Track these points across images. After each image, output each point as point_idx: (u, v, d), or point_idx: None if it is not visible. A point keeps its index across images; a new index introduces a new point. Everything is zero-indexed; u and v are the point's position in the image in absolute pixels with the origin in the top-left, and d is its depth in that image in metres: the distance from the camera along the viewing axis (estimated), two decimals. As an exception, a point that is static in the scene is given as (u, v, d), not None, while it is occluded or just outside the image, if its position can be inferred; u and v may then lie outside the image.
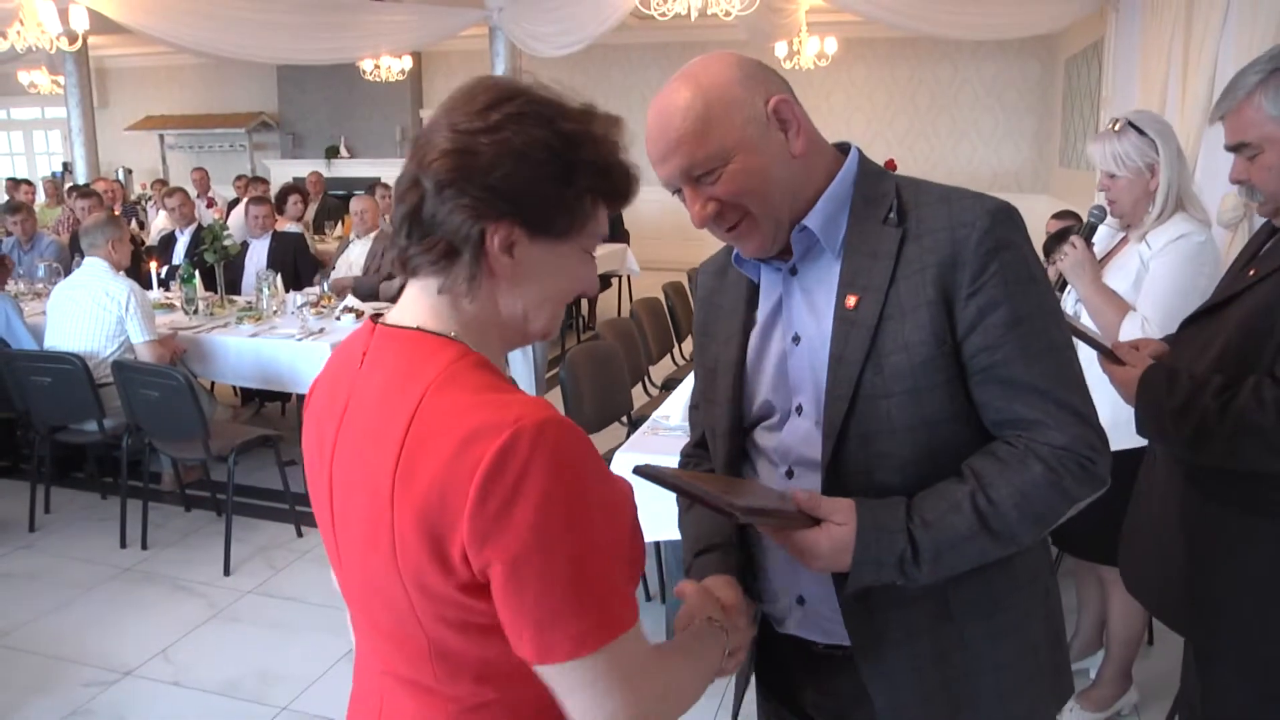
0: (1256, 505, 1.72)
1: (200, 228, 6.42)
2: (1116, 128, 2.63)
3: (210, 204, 9.78)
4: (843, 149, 1.40)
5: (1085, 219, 2.72)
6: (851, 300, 1.30)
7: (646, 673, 1.03)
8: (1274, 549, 1.71)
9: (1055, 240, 3.96)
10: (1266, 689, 1.77)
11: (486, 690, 1.04)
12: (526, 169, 1.02)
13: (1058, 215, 5.29)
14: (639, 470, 1.24)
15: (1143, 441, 2.58)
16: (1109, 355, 1.90)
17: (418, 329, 1.06)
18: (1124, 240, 2.75)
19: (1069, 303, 2.79)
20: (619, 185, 1.10)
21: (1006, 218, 1.29)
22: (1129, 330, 2.48)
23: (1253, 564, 1.73)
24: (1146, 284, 2.57)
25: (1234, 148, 1.71)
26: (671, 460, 2.95)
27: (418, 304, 1.08)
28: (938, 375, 1.27)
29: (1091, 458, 1.26)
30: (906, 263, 1.29)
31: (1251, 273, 1.72)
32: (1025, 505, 1.24)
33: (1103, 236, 2.83)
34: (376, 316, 1.13)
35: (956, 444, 1.29)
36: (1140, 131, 2.58)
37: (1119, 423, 2.53)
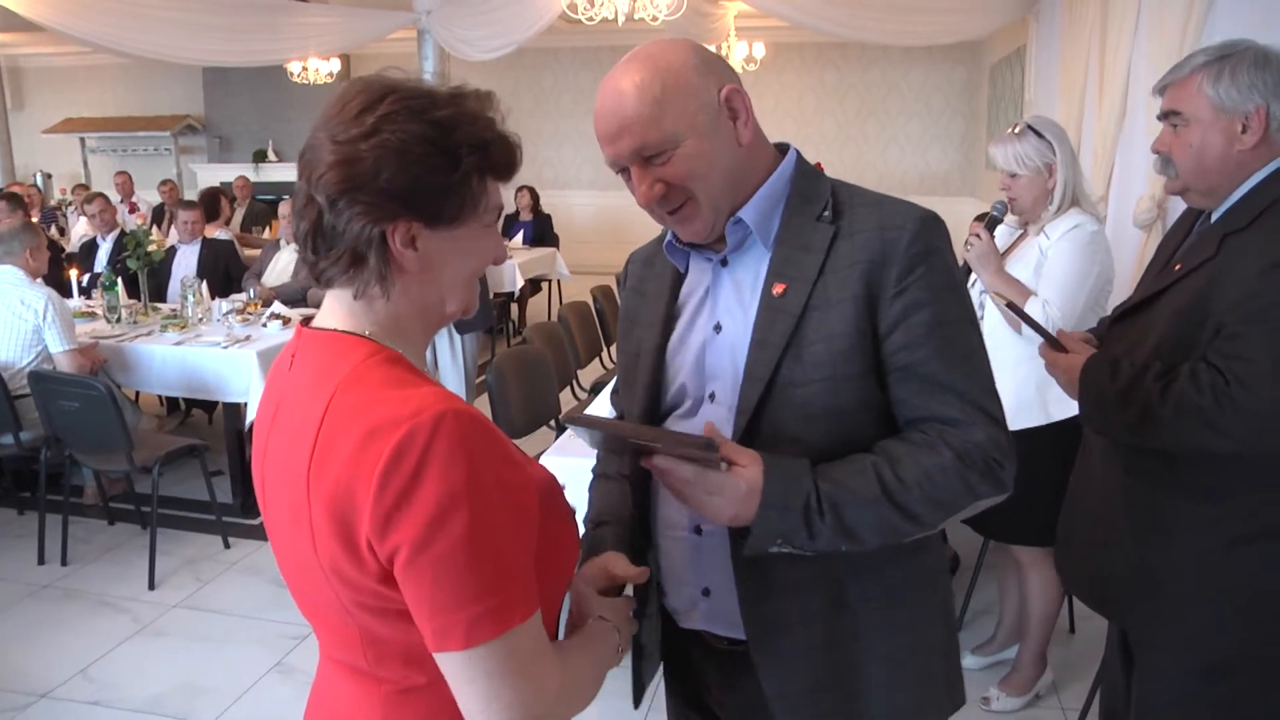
0: (1195, 490, 1.77)
1: (123, 234, 6.27)
2: (1016, 131, 2.82)
3: (133, 209, 9.56)
4: (781, 148, 1.44)
5: (988, 213, 2.91)
6: (779, 288, 1.33)
7: (542, 667, 1.04)
8: (1212, 532, 1.76)
9: None
10: (1206, 669, 1.82)
11: (416, 674, 1.08)
12: (410, 165, 1.05)
13: (979, 218, 5.39)
14: (568, 418, 1.31)
15: (1039, 421, 2.74)
16: (1053, 342, 1.96)
17: (334, 330, 1.11)
18: (1023, 235, 2.95)
19: (974, 292, 2.94)
20: (501, 158, 1.13)
21: (935, 225, 1.33)
22: (1032, 313, 2.62)
23: (1192, 547, 1.78)
24: (1045, 271, 2.76)
25: (1165, 115, 1.79)
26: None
27: (336, 307, 1.12)
28: (855, 366, 1.30)
29: (1000, 460, 1.30)
30: (836, 258, 1.32)
31: (1177, 267, 1.79)
32: (929, 486, 1.27)
33: (1002, 234, 3.00)
34: (308, 321, 1.16)
35: (865, 436, 1.32)
36: (1039, 134, 2.78)
37: (1021, 405, 2.69)
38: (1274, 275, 1.61)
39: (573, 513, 1.18)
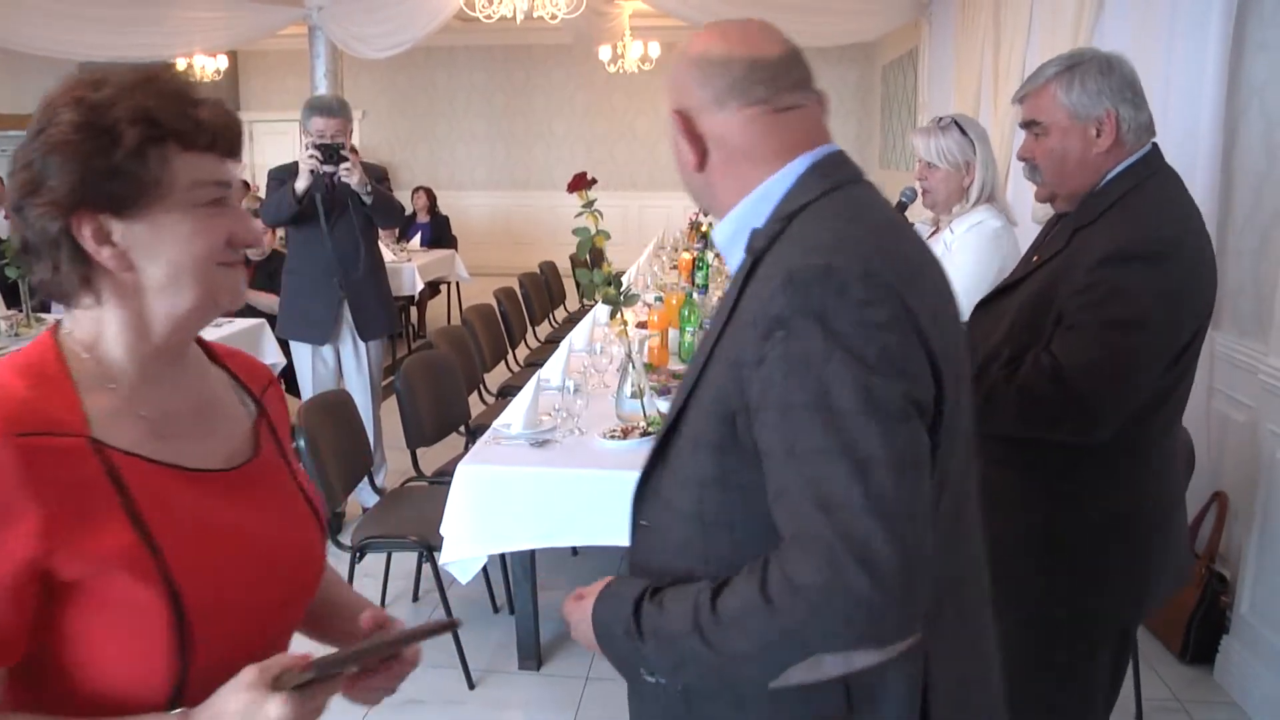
0: (1034, 468, 1.86)
1: (-1, 240, 5.93)
2: (942, 125, 2.87)
3: (8, 215, 9.08)
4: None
5: (897, 199, 2.97)
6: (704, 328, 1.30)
7: None
8: (1050, 508, 1.86)
9: None
10: (1046, 643, 1.91)
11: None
12: (69, 156, 0.99)
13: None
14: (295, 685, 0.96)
15: None
16: None
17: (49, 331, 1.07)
18: (933, 233, 3.00)
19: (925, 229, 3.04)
20: (179, 123, 1.02)
21: (808, 283, 1.05)
22: None
23: (1031, 524, 1.86)
24: (947, 265, 2.78)
25: (1027, 124, 1.90)
26: (518, 469, 2.87)
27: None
28: (716, 438, 1.14)
29: (847, 610, 1.00)
30: (744, 301, 1.14)
31: (1035, 259, 1.91)
32: (740, 626, 1.06)
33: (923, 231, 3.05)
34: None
35: (721, 511, 1.15)
36: (962, 131, 2.84)
37: None
38: (1109, 267, 1.71)
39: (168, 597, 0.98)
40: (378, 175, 4.56)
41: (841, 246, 1.09)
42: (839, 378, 1.01)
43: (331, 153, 4.10)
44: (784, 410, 1.04)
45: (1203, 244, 1.81)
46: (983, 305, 2.01)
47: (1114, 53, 1.85)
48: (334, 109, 4.26)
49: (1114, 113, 1.80)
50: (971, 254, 2.79)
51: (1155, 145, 1.86)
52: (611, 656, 1.20)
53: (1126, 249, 1.71)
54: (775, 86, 1.21)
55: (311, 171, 4.14)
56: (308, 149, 4.12)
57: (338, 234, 4.31)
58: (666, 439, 1.22)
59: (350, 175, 4.18)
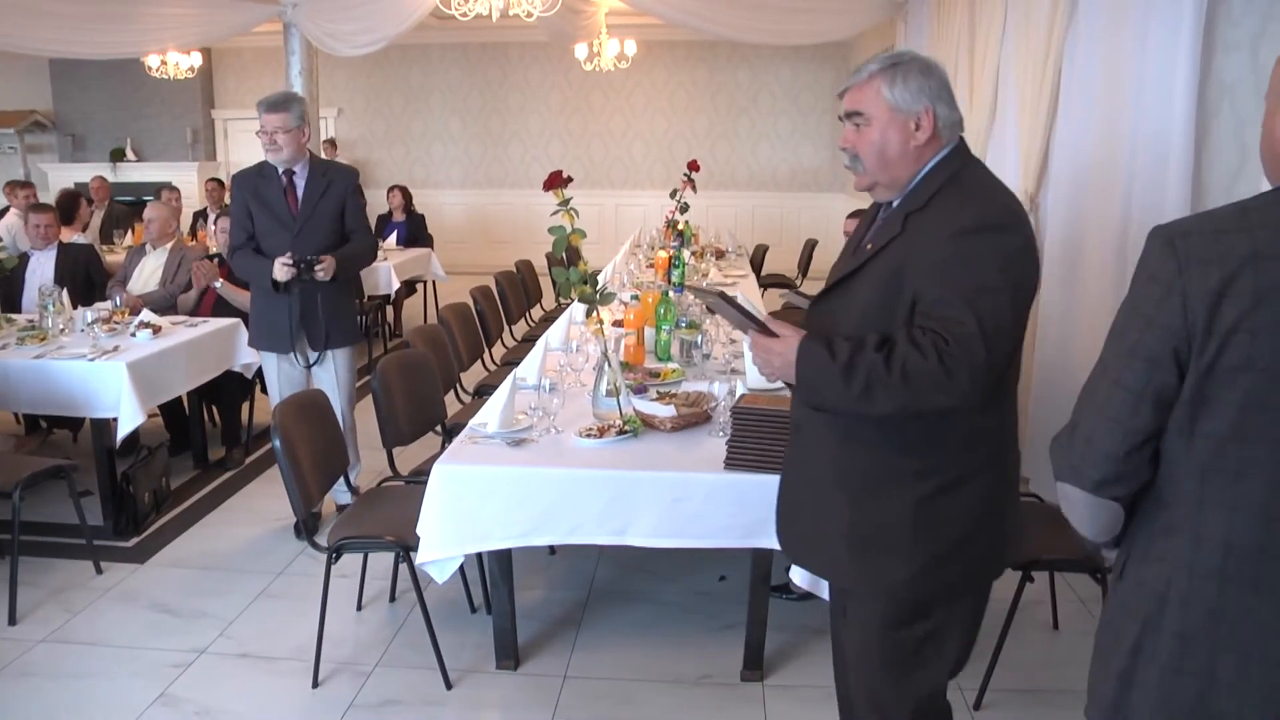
0: (903, 447, 1.95)
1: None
2: None
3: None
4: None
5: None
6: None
7: None
8: (919, 484, 1.95)
9: None
10: (906, 614, 2.02)
11: None
12: None
13: (853, 214, 5.53)
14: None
15: None
16: (763, 329, 2.01)
17: None
18: None
19: None
20: None
21: None
22: None
23: (904, 500, 1.96)
24: None
25: (848, 115, 2.01)
26: (494, 468, 2.90)
27: None
28: None
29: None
30: None
31: (869, 246, 2.00)
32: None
33: None
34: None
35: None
36: None
37: None
38: (962, 239, 1.83)
39: None
40: (351, 177, 4.54)
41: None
42: None
43: (307, 267, 4.18)
44: None
45: (1026, 216, 1.96)
46: (821, 298, 2.09)
47: (930, 57, 2.00)
48: (277, 104, 4.25)
49: (932, 109, 1.94)
50: None
51: (962, 139, 2.01)
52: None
53: (976, 222, 1.85)
54: None
55: (287, 279, 4.22)
56: (284, 266, 4.17)
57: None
58: None
59: (326, 276, 4.27)
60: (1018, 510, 2.11)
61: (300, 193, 4.31)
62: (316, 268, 4.20)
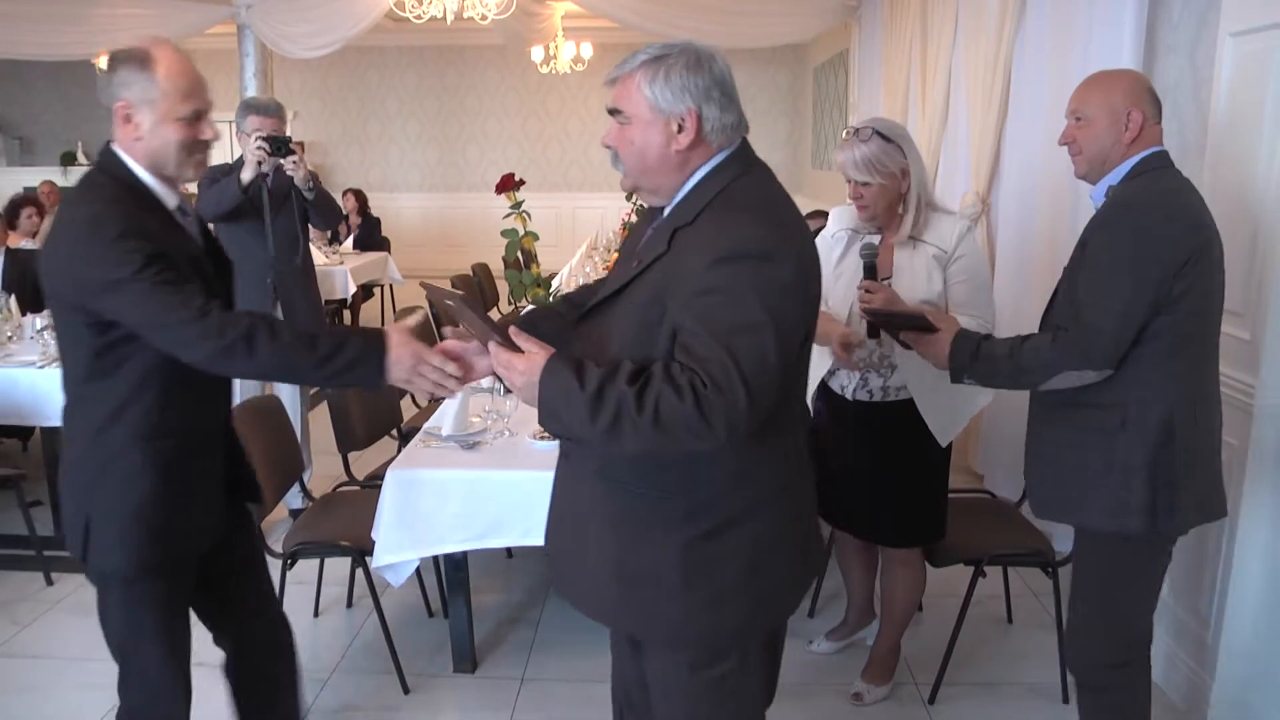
0: (663, 487, 1.79)
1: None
2: (861, 136, 2.73)
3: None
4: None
5: (861, 262, 2.76)
6: None
7: None
8: (688, 525, 1.80)
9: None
10: (699, 658, 1.89)
11: None
12: None
13: (810, 215, 5.55)
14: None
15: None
16: (507, 342, 1.78)
17: None
18: (885, 246, 2.87)
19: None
20: None
21: None
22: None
23: (673, 543, 1.81)
24: (963, 288, 2.81)
25: (612, 111, 1.80)
26: (448, 471, 2.88)
27: None
28: None
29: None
30: None
31: (635, 264, 1.80)
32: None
33: (841, 240, 2.97)
34: None
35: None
36: (885, 138, 2.73)
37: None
38: (721, 269, 1.63)
39: None
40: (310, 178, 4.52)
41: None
42: None
43: (280, 144, 4.09)
44: None
45: (804, 238, 1.79)
46: (588, 314, 1.90)
47: (709, 49, 1.78)
48: (270, 109, 4.26)
49: (696, 111, 1.73)
50: (976, 262, 2.83)
51: (745, 141, 1.84)
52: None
53: (738, 249, 1.65)
54: None
55: (258, 163, 4.12)
56: (254, 139, 4.10)
57: (277, 229, 4.30)
58: None
59: (296, 170, 4.22)
60: (809, 547, 2.00)
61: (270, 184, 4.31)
62: (290, 154, 4.16)
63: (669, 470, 1.78)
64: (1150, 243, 2.15)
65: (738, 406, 1.60)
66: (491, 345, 1.76)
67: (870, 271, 2.73)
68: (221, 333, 1.93)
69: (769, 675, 2.07)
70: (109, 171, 2.06)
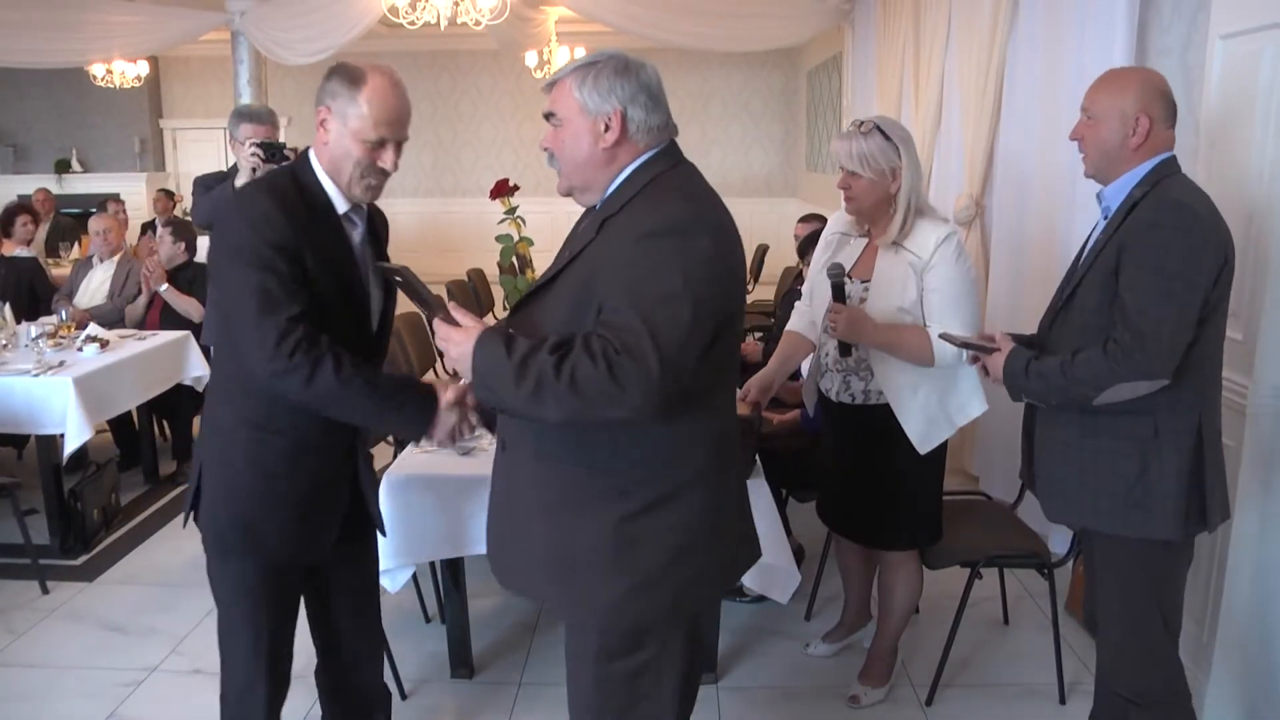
0: (596, 463, 1.85)
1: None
2: (864, 130, 2.75)
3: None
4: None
5: (830, 281, 2.78)
6: None
7: None
8: (622, 501, 1.84)
9: (808, 243, 4.17)
10: (618, 644, 1.93)
11: None
12: None
13: (805, 219, 5.57)
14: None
15: (947, 435, 2.87)
16: (446, 316, 1.88)
17: None
18: (870, 249, 2.88)
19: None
20: None
21: None
22: (942, 346, 2.69)
23: (605, 519, 1.85)
24: (935, 298, 2.76)
25: (547, 115, 1.92)
26: (444, 476, 2.88)
27: None
28: None
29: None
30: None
31: (568, 253, 1.91)
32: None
33: (831, 244, 3.00)
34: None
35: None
36: (885, 136, 2.73)
37: (931, 422, 2.88)
38: (645, 243, 1.74)
39: None
40: None
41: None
42: None
43: (274, 150, 4.08)
44: None
45: (724, 218, 1.87)
46: (523, 302, 1.98)
47: (638, 59, 1.90)
48: (263, 116, 4.26)
49: (621, 111, 1.85)
50: (954, 271, 2.75)
51: (673, 142, 1.94)
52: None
53: (661, 225, 1.75)
54: None
55: (253, 170, 4.11)
56: (249, 146, 4.10)
57: None
58: None
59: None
60: (742, 525, 2.05)
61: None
62: (284, 161, 4.10)
63: (602, 446, 1.84)
64: (1201, 250, 2.15)
65: (651, 373, 1.66)
66: (436, 320, 1.88)
67: (838, 292, 2.75)
68: (291, 354, 1.99)
69: (688, 674, 2.05)
70: (295, 168, 2.21)
